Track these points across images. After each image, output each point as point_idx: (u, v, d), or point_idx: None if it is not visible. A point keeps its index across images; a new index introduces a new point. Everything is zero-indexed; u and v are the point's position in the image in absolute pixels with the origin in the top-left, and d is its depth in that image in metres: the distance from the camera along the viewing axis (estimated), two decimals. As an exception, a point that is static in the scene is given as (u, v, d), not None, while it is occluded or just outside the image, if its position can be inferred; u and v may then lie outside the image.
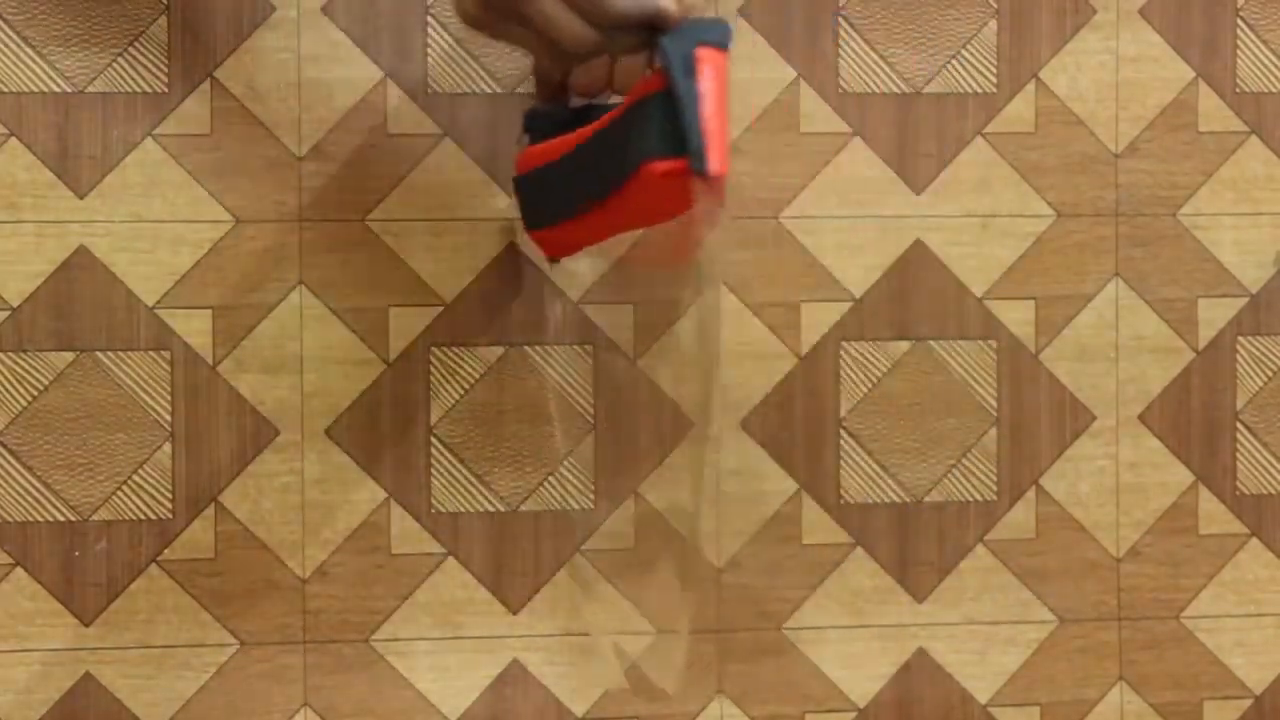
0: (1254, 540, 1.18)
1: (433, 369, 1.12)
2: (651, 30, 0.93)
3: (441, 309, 1.11)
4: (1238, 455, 1.17)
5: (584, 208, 0.98)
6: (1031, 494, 1.16)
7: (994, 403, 1.16)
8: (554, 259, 1.08)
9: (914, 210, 1.15)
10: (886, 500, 1.15)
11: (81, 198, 1.09)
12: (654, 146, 0.91)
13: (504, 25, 0.95)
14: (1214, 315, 1.17)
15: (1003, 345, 1.16)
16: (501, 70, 1.11)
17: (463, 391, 1.12)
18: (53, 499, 1.09)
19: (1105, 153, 1.16)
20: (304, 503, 1.11)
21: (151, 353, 1.10)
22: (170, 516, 1.10)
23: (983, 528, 1.16)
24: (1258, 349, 1.17)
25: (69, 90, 1.09)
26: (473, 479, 1.12)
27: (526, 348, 1.12)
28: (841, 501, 1.15)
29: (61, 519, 1.09)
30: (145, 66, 1.09)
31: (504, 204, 1.11)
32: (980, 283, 1.15)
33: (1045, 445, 1.16)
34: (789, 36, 1.13)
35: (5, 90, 1.08)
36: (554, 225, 1.02)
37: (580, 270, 1.12)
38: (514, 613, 1.13)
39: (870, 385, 1.15)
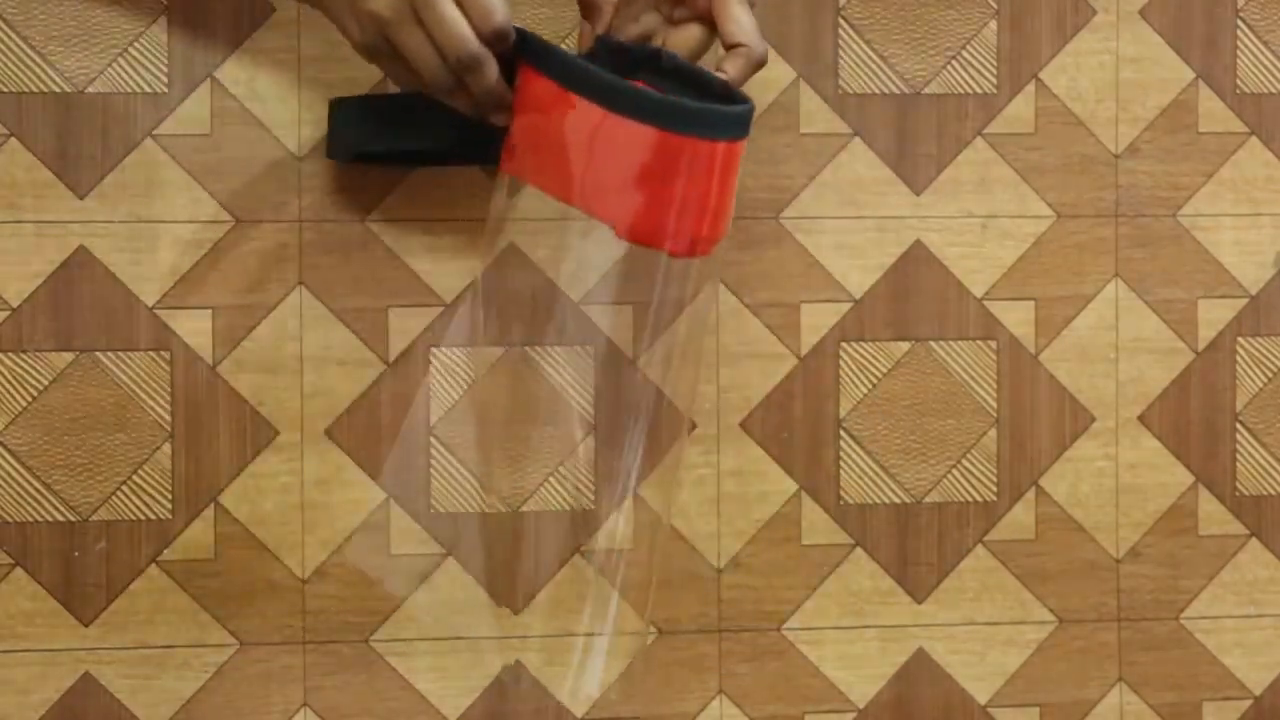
0: (1253, 541, 1.18)
1: (433, 369, 1.12)
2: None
3: (441, 309, 1.12)
4: (1237, 456, 1.17)
5: None
6: (1031, 494, 1.16)
7: (994, 403, 1.16)
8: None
9: (914, 210, 1.15)
10: (886, 500, 1.15)
11: (81, 198, 1.09)
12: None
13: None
14: (1214, 316, 1.17)
15: (1003, 345, 1.16)
16: (501, 70, 1.11)
17: (462, 391, 1.12)
18: (53, 499, 1.09)
19: (1105, 153, 1.16)
20: (304, 503, 1.11)
21: (151, 353, 1.10)
22: (170, 517, 1.10)
23: (982, 528, 1.16)
24: (1258, 350, 1.17)
25: (69, 90, 1.09)
26: (473, 479, 1.12)
27: (526, 348, 1.12)
28: (841, 502, 1.15)
29: (61, 519, 1.09)
30: (145, 66, 1.09)
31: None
32: (980, 283, 1.15)
33: (1045, 446, 1.16)
34: (789, 37, 1.13)
35: (5, 90, 1.08)
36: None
37: (582, 268, 1.12)
38: (514, 613, 1.13)
39: (870, 386, 1.15)
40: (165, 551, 1.10)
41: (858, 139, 1.14)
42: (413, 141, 1.04)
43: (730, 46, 1.02)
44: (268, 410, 1.11)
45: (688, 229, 0.99)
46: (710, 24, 1.03)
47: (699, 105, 0.98)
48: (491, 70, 0.97)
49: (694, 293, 1.08)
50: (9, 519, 1.09)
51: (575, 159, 0.98)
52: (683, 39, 1.04)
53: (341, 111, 1.07)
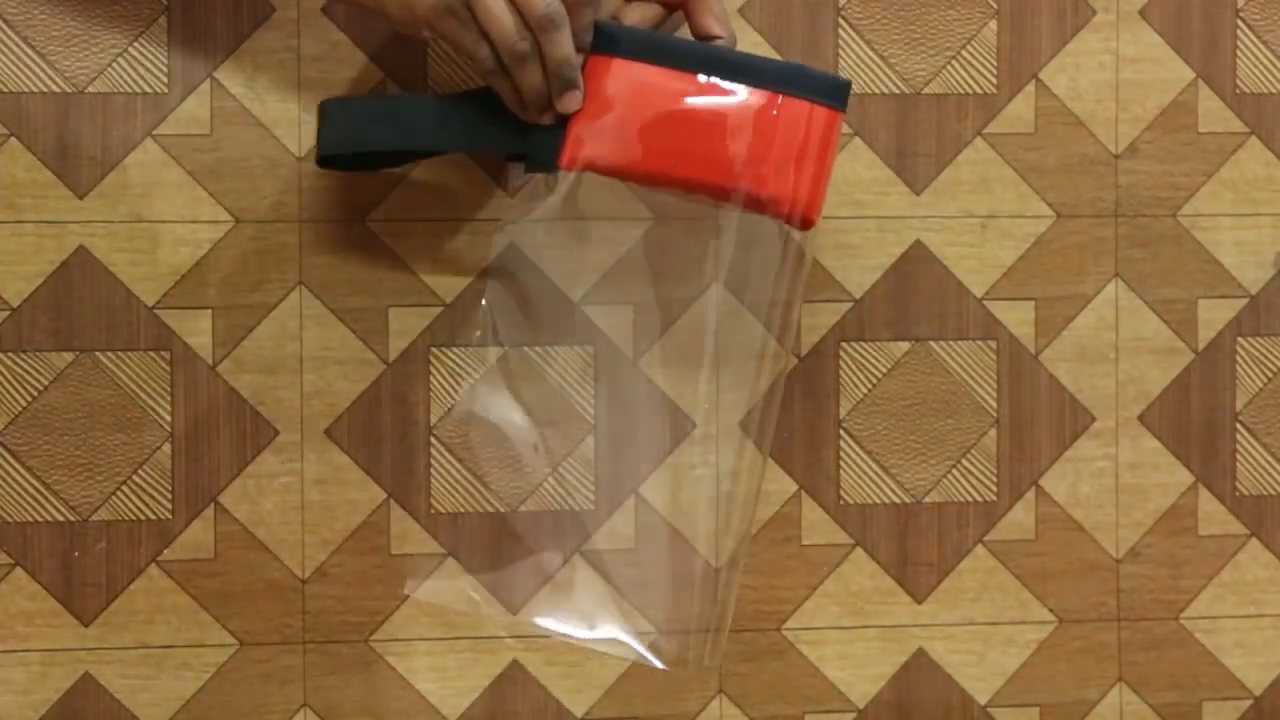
0: (1253, 541, 1.18)
1: (433, 369, 1.12)
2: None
3: (441, 309, 1.12)
4: (1237, 456, 1.18)
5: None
6: (1031, 494, 1.16)
7: (994, 403, 1.16)
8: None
9: (914, 210, 1.15)
10: (886, 500, 1.15)
11: (81, 198, 1.09)
12: None
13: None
14: (1214, 316, 1.17)
15: (1003, 345, 1.16)
16: (501, 70, 1.11)
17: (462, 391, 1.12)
18: (53, 499, 1.09)
19: (1105, 153, 1.16)
20: (304, 503, 1.11)
21: (151, 353, 1.10)
22: (170, 516, 1.10)
23: (983, 528, 1.16)
24: (1257, 350, 1.17)
25: (69, 90, 1.09)
26: (473, 479, 1.12)
27: (525, 348, 1.12)
28: (841, 502, 1.15)
29: (61, 519, 1.09)
30: (145, 66, 1.09)
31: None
32: (980, 283, 1.15)
33: (1045, 446, 1.16)
34: (789, 37, 1.13)
35: (5, 90, 1.08)
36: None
37: (583, 269, 1.12)
38: (513, 613, 1.13)
39: (870, 385, 1.15)
40: (165, 551, 1.10)
41: (858, 139, 1.14)
42: (416, 142, 1.04)
43: (705, 38, 1.03)
44: (268, 410, 1.11)
45: (821, 199, 1.04)
46: (668, 4, 1.04)
47: (839, 79, 1.04)
48: (563, 41, 0.98)
49: (796, 256, 1.09)
50: (9, 519, 1.09)
51: (725, 142, 1.01)
52: (639, 15, 1.05)
53: (336, 113, 1.06)
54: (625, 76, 1.01)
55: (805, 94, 1.02)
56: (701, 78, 1.01)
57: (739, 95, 1.01)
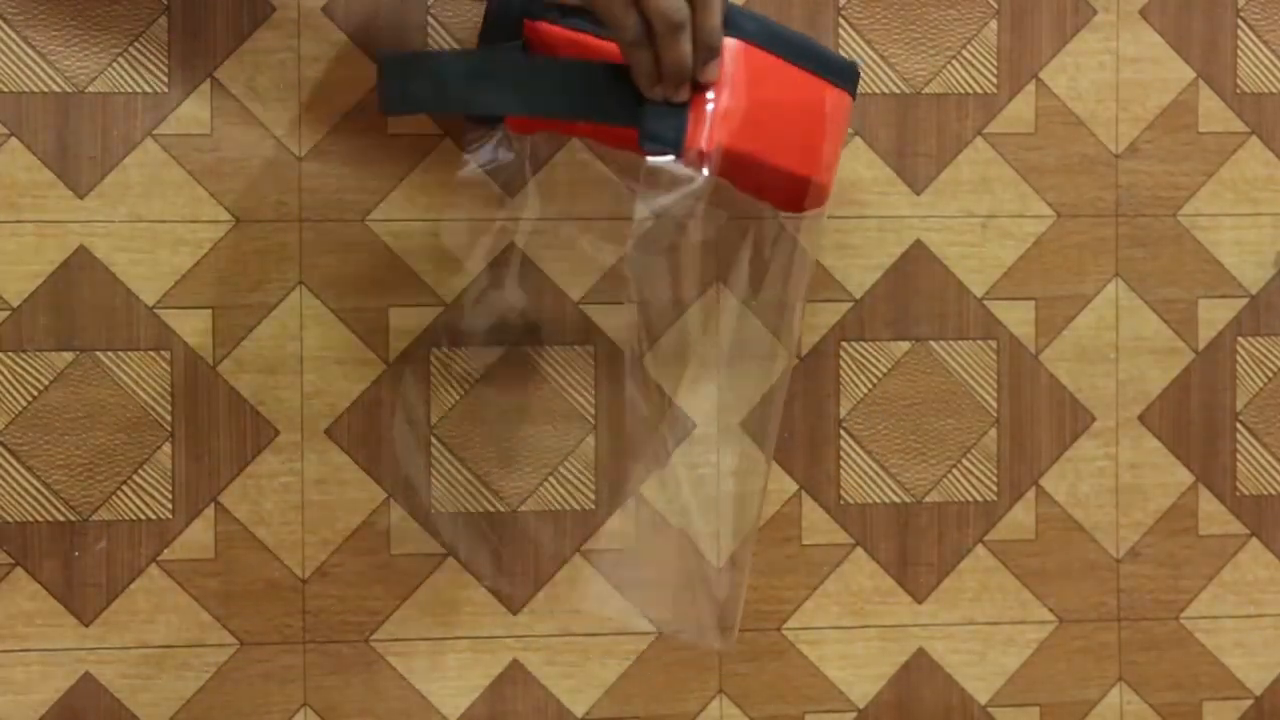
0: (1253, 541, 1.18)
1: (433, 369, 1.12)
2: None
3: (441, 309, 1.12)
4: (1237, 456, 1.18)
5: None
6: (1031, 494, 1.16)
7: (994, 403, 1.16)
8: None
9: (914, 210, 1.15)
10: (886, 500, 1.15)
11: (81, 198, 1.09)
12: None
13: None
14: (1214, 316, 1.17)
15: (1003, 345, 1.16)
16: (502, 70, 1.11)
17: (463, 391, 1.12)
18: (53, 499, 1.09)
19: (1105, 153, 1.16)
20: (304, 503, 1.11)
21: (151, 353, 1.10)
22: (170, 516, 1.10)
23: (983, 528, 1.16)
24: (1258, 349, 1.17)
25: (69, 90, 1.09)
26: (473, 479, 1.12)
27: (526, 348, 1.12)
28: (841, 502, 1.15)
29: (61, 519, 1.09)
30: (145, 66, 1.09)
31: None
32: (980, 283, 1.15)
33: (1045, 445, 1.16)
34: (789, 37, 1.13)
35: (5, 90, 1.08)
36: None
37: (581, 268, 1.12)
38: (514, 613, 1.13)
39: (870, 385, 1.15)
40: (165, 551, 1.10)
41: (858, 139, 1.14)
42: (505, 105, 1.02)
43: None
44: (268, 410, 1.11)
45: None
46: None
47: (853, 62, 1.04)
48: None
49: (798, 256, 1.10)
50: (9, 519, 1.09)
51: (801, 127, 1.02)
52: None
53: (416, 68, 1.03)
54: (747, 61, 0.99)
55: (849, 88, 1.03)
56: (806, 70, 1.01)
57: (829, 91, 1.02)
